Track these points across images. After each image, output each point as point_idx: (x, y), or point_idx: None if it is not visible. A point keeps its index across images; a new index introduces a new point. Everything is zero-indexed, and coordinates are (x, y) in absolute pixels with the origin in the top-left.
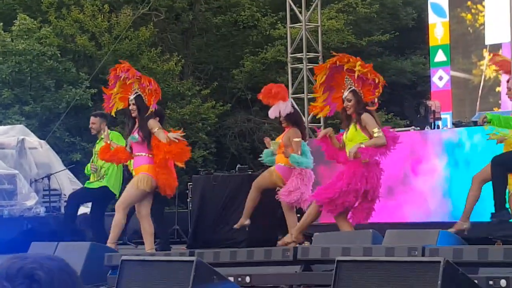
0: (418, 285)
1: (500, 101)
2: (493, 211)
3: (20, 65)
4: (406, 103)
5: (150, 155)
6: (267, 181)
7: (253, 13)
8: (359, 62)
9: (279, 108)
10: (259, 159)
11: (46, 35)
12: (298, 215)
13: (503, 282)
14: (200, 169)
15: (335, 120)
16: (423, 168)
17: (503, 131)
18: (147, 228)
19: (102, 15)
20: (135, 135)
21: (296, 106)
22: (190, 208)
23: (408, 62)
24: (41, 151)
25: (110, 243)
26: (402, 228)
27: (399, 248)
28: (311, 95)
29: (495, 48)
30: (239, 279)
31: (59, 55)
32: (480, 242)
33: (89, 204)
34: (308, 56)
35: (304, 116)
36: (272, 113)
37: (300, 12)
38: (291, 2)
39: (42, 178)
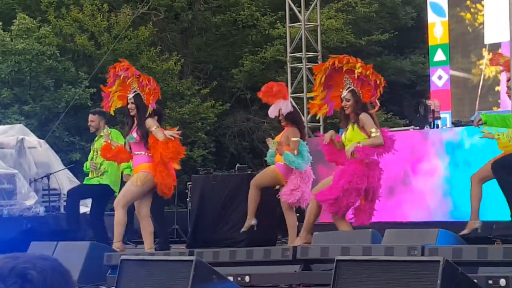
0: (417, 284)
1: (499, 101)
2: (510, 212)
3: (20, 65)
4: (405, 102)
5: (149, 154)
6: (266, 179)
7: (252, 12)
8: (359, 64)
9: (280, 107)
10: (265, 159)
11: (45, 34)
12: (298, 214)
13: (502, 282)
14: (199, 168)
15: (334, 120)
16: (423, 168)
17: (502, 131)
18: (146, 227)
19: (101, 15)
20: (133, 134)
21: (295, 106)
22: (190, 208)
23: (407, 62)
24: (40, 151)
25: (116, 241)
26: (402, 227)
27: (399, 248)
28: (310, 94)
29: (495, 48)
30: (239, 278)
31: (58, 54)
32: (479, 242)
33: (89, 204)
34: (307, 56)
35: (304, 116)
36: (272, 112)
37: (300, 12)
38: (290, 1)
39: (42, 178)
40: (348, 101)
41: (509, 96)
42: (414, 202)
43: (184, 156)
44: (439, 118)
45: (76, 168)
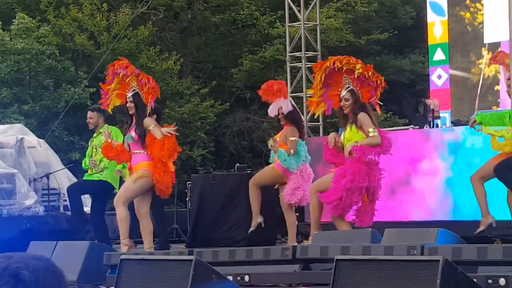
0: (417, 284)
1: (499, 100)
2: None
3: (19, 64)
4: (405, 101)
5: (148, 152)
6: (266, 178)
7: (251, 12)
8: (359, 65)
9: (280, 105)
10: (269, 160)
11: (44, 34)
12: (297, 214)
13: (502, 281)
14: (199, 168)
15: (334, 119)
16: (424, 167)
17: (501, 129)
18: (146, 227)
19: (100, 14)
20: (132, 133)
21: (295, 105)
22: (189, 207)
23: (407, 61)
24: (40, 150)
25: (123, 239)
26: (402, 227)
27: (398, 247)
28: (308, 91)
29: (494, 47)
30: (238, 278)
31: (58, 54)
32: (479, 241)
33: (89, 204)
34: (307, 55)
35: (303, 115)
36: (272, 111)
37: (299, 11)
38: (289, 1)
39: (41, 177)
40: (347, 101)
41: (509, 95)
42: (414, 202)
43: (178, 153)
44: (438, 117)
45: (75, 168)
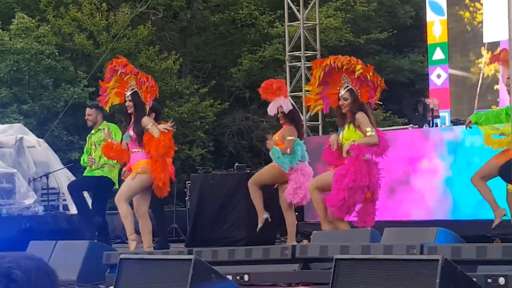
0: (416, 283)
1: (498, 99)
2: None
3: (18, 64)
4: (404, 101)
5: (146, 151)
6: (266, 176)
7: (251, 11)
8: (359, 66)
9: (279, 104)
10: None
11: (44, 33)
12: (297, 213)
13: (501, 280)
14: (198, 167)
15: (333, 118)
16: (423, 166)
17: (498, 126)
18: (145, 226)
19: (100, 14)
20: (130, 132)
21: (294, 104)
22: (189, 207)
23: (406, 60)
24: (39, 150)
25: (129, 235)
26: (402, 226)
27: (398, 246)
28: (306, 87)
29: (493, 46)
30: (238, 277)
31: (57, 53)
32: (478, 240)
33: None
34: (306, 54)
35: (302, 114)
36: (271, 110)
37: (298, 11)
38: (289, 0)
39: (41, 177)
40: (346, 100)
41: (508, 93)
42: (414, 201)
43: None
44: (438, 116)
45: (75, 167)
